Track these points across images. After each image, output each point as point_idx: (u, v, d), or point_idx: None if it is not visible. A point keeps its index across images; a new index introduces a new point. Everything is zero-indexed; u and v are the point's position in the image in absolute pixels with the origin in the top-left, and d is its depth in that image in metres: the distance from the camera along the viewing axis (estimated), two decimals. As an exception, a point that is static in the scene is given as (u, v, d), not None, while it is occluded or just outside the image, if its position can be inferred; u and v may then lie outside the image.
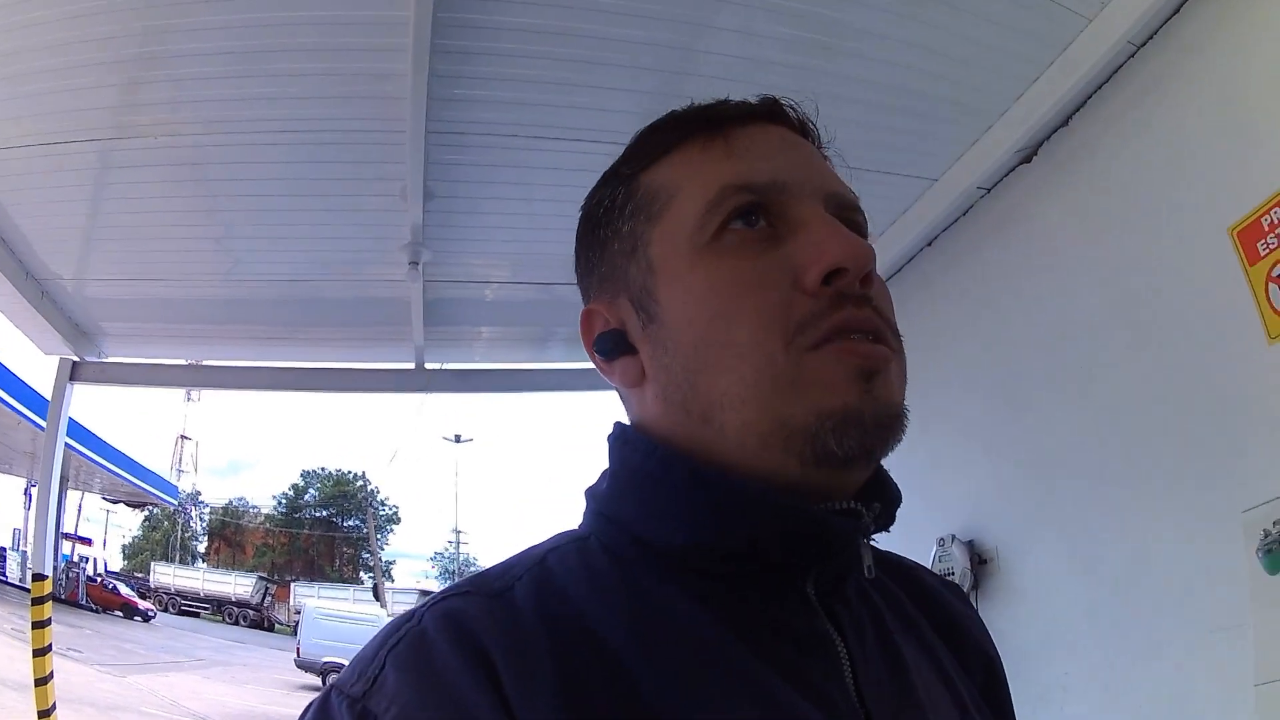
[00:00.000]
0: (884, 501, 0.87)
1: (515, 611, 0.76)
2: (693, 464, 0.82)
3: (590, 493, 0.92)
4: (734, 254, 0.83)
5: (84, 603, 34.72)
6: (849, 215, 0.89)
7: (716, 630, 0.78)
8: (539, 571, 0.81)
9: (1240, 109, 2.63)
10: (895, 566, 1.04)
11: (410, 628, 0.75)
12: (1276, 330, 2.43)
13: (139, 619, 36.39)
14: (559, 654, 0.72)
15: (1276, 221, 2.42)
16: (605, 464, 0.92)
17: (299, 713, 0.75)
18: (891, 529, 0.90)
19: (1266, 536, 2.36)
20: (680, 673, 0.74)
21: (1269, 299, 2.44)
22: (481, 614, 0.75)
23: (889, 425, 0.80)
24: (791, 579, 0.83)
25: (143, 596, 40.65)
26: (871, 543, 0.90)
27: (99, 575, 40.44)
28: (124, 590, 38.62)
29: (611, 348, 0.91)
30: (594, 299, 0.95)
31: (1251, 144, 2.57)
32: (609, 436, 0.92)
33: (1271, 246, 2.43)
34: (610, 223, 0.93)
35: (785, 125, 0.94)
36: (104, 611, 35.22)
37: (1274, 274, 2.43)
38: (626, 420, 0.94)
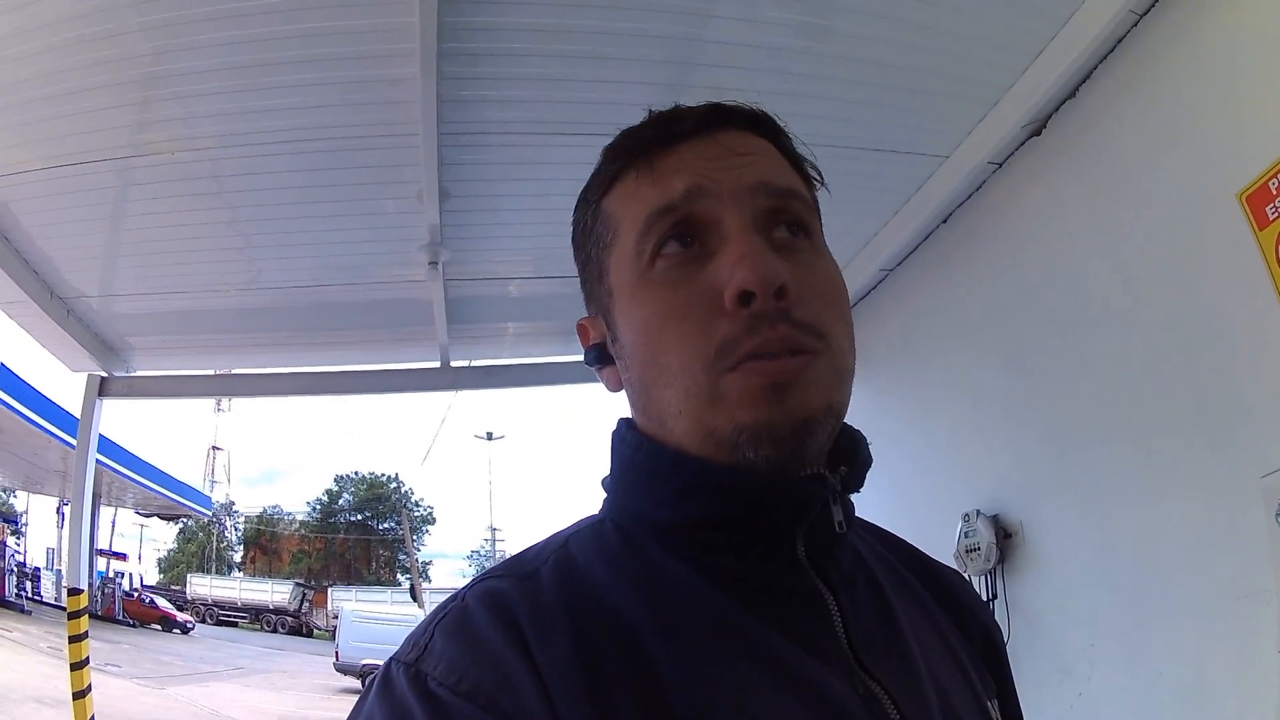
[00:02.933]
0: (854, 465, 0.95)
1: (541, 589, 0.87)
2: (672, 454, 0.92)
3: (603, 482, 1.04)
4: (664, 283, 0.92)
5: (121, 618, 35.00)
6: (782, 204, 0.95)
7: (715, 592, 0.89)
8: (562, 554, 0.93)
9: (1245, 73, 2.62)
10: (896, 545, 1.15)
11: (454, 605, 0.88)
12: (1289, 293, 2.41)
13: (178, 631, 36.71)
14: (575, 620, 0.84)
15: (1284, 185, 2.41)
16: (609, 455, 1.04)
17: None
18: (862, 489, 0.97)
19: (1286, 501, 2.36)
20: (683, 630, 0.85)
21: (1280, 263, 2.44)
22: (513, 591, 0.87)
23: (802, 431, 0.87)
24: (780, 543, 0.91)
25: (180, 609, 40.93)
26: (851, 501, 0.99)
27: (135, 590, 40.78)
28: (161, 603, 38.97)
29: (596, 358, 1.04)
30: (587, 314, 1.07)
31: (1257, 108, 2.56)
32: (612, 432, 1.03)
33: (1280, 211, 2.43)
34: (584, 246, 1.05)
35: (724, 129, 0.98)
36: (141, 626, 35.56)
37: (1284, 237, 2.42)
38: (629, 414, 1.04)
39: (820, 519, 0.91)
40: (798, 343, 0.87)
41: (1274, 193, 2.43)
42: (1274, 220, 2.44)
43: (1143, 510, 2.99)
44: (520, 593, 0.87)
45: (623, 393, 1.03)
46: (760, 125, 1.01)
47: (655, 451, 0.94)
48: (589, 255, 1.03)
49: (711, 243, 0.91)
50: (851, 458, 0.96)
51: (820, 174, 1.04)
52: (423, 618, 0.90)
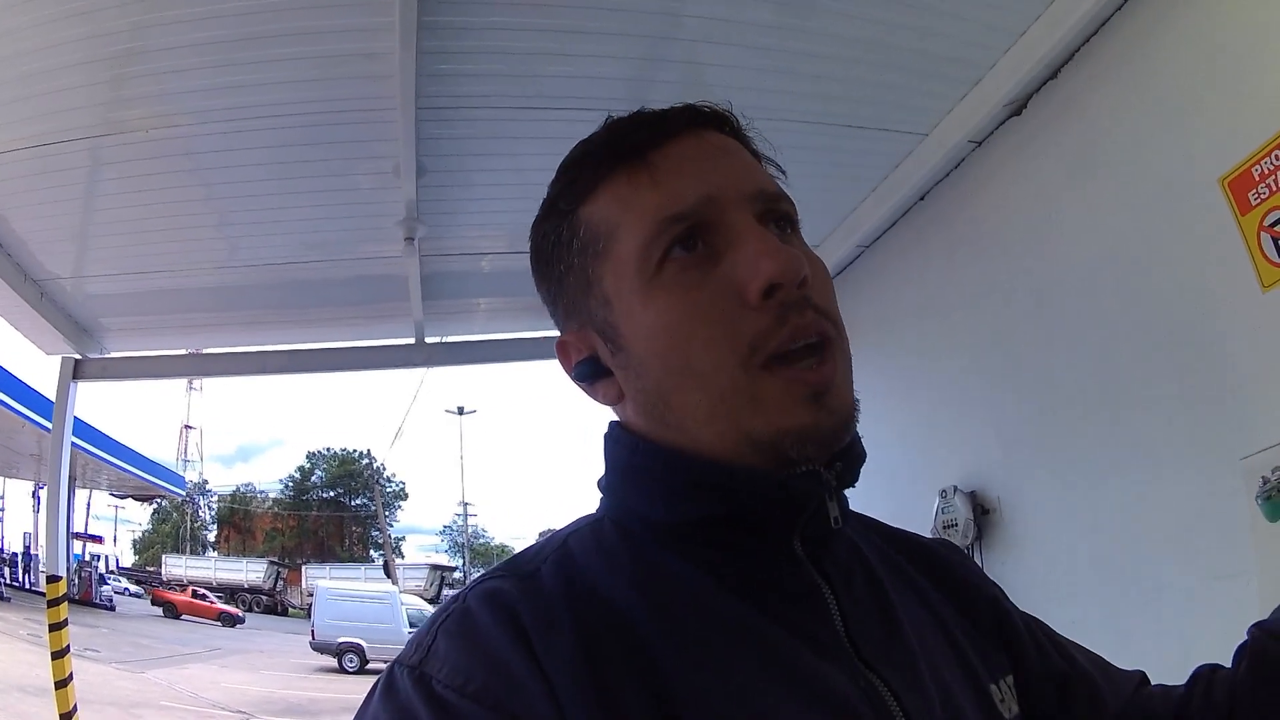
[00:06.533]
0: (848, 460, 0.96)
1: (542, 587, 0.88)
2: (669, 455, 0.94)
3: (599, 483, 1.04)
4: (679, 286, 0.92)
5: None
6: (775, 206, 0.97)
7: (715, 588, 0.91)
8: (561, 553, 0.94)
9: (1229, 59, 2.62)
10: (893, 536, 1.16)
11: (456, 607, 0.88)
12: (1270, 279, 2.42)
13: (237, 625, 37.18)
14: (577, 618, 0.84)
15: (1267, 171, 2.41)
16: (603, 458, 1.05)
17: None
18: (857, 483, 0.99)
19: (1265, 483, 2.38)
20: (684, 626, 0.87)
21: (1261, 248, 2.44)
22: (515, 591, 0.87)
23: (843, 429, 0.91)
24: (778, 539, 0.93)
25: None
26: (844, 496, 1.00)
27: (190, 584, 41.38)
28: (213, 599, 39.61)
29: (590, 373, 1.02)
30: (564, 330, 1.05)
31: (1241, 94, 2.56)
32: (604, 435, 1.04)
33: (1263, 196, 2.42)
34: (561, 258, 1.02)
35: (706, 129, 0.99)
36: (179, 618, 35.97)
37: (1266, 223, 2.42)
38: (616, 417, 1.05)
39: (816, 515, 0.93)
40: (823, 329, 0.90)
41: (1257, 179, 2.44)
42: (1256, 206, 2.44)
43: (1124, 490, 3.00)
44: (522, 592, 0.87)
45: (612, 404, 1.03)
46: (730, 126, 1.03)
47: (651, 452, 0.95)
48: (570, 265, 1.01)
49: (718, 245, 0.92)
50: (846, 452, 0.96)
51: (782, 170, 1.06)
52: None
